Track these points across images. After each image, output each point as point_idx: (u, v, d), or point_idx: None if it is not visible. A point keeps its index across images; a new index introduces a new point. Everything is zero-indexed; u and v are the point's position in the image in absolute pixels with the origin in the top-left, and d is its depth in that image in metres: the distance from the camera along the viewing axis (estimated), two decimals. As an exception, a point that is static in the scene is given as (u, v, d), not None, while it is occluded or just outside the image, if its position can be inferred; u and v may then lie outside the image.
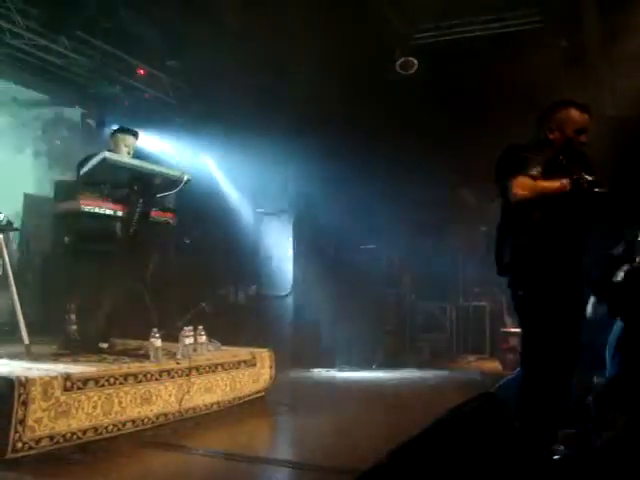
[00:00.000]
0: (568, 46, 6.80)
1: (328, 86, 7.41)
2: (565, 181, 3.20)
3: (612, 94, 7.39)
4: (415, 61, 7.33)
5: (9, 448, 3.42)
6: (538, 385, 3.22)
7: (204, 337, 5.37)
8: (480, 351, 10.28)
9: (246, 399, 5.48)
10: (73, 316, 4.82)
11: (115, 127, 5.94)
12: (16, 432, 3.45)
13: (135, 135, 5.44)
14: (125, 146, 5.28)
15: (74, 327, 4.87)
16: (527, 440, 3.09)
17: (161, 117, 8.71)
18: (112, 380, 4.14)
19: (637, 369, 3.69)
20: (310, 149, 8.25)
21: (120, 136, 5.37)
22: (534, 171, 3.23)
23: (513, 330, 8.75)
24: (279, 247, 9.26)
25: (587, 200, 3.30)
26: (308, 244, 9.14)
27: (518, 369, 4.52)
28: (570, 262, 3.37)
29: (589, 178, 3.26)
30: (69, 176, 6.02)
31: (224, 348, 5.72)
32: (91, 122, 8.71)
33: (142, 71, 8.18)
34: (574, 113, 3.41)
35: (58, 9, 6.60)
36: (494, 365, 9.12)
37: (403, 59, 7.31)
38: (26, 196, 8.15)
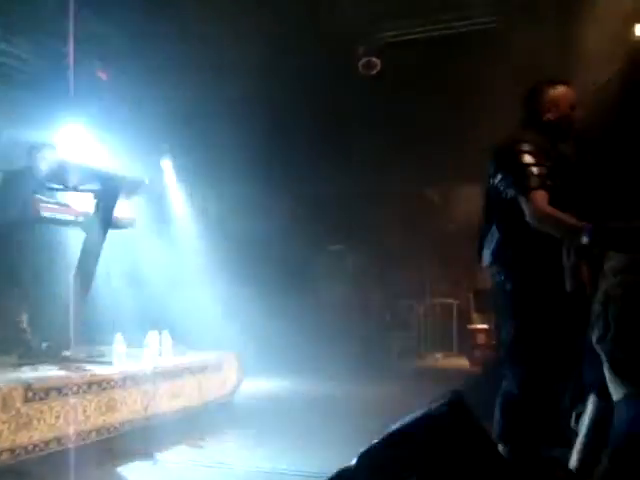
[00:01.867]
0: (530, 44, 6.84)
1: (294, 86, 7.39)
2: (580, 225, 2.71)
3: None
4: (378, 61, 7.31)
5: (-32, 462, 3.33)
6: (525, 389, 2.97)
7: (169, 341, 5.31)
8: (447, 348, 10.38)
9: (213, 403, 5.43)
10: (27, 326, 4.69)
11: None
12: (-25, 446, 3.36)
13: (54, 149, 5.15)
14: (44, 160, 4.95)
15: (32, 336, 4.75)
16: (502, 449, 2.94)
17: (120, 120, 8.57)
18: (75, 388, 4.04)
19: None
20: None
21: (42, 151, 5.04)
22: (545, 179, 2.97)
23: (480, 327, 8.89)
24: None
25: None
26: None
27: (490, 366, 4.52)
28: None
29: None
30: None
31: (190, 352, 5.66)
32: None
33: (104, 74, 8.02)
34: (564, 89, 3.36)
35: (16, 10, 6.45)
36: (461, 362, 9.22)
37: (366, 59, 7.30)
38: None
